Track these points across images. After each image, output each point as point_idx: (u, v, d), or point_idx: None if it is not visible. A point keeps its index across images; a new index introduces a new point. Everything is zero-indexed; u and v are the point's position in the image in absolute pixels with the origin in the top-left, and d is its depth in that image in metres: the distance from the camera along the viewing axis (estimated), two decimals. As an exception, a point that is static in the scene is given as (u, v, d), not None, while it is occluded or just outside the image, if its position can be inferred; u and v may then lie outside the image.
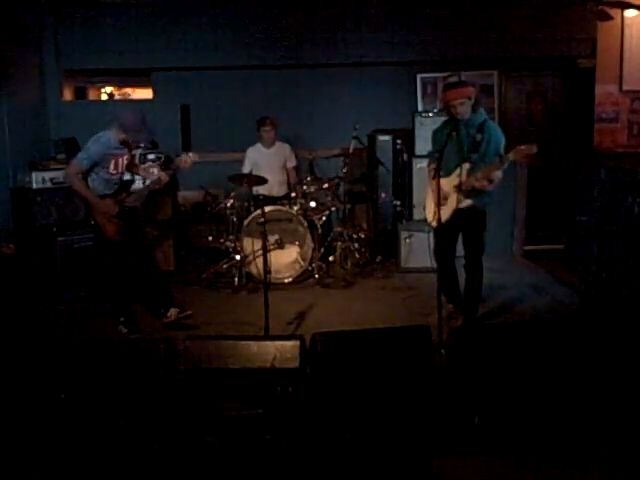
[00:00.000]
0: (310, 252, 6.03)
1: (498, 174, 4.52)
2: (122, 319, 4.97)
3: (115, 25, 6.94)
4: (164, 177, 5.08)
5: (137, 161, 5.81)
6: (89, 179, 4.81)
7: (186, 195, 7.06)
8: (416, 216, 6.58)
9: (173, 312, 4.98)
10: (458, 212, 4.59)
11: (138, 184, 5.65)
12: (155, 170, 5.54)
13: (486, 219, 4.74)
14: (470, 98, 4.58)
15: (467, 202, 4.56)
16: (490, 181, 4.52)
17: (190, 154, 5.14)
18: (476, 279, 4.80)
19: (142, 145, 6.16)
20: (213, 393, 3.37)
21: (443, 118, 4.97)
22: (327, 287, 5.97)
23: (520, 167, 6.80)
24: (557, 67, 7.63)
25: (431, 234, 4.96)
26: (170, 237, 6.55)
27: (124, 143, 4.85)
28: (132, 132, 4.78)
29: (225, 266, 6.08)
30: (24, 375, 3.39)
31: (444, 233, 4.68)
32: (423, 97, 7.46)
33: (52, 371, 3.40)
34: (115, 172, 4.87)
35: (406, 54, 7.20)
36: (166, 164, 6.02)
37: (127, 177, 5.27)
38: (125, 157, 4.93)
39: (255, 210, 5.91)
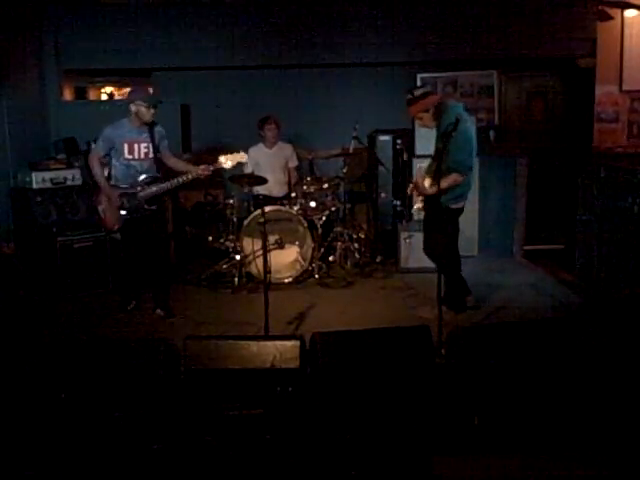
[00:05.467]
0: (310, 252, 6.03)
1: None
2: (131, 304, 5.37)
3: (115, 25, 6.93)
4: (202, 171, 5.05)
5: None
6: (112, 168, 5.11)
7: (186, 195, 7.06)
8: (416, 216, 6.57)
9: (158, 313, 5.26)
10: None
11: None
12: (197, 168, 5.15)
13: (449, 216, 4.88)
14: (427, 110, 4.83)
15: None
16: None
17: (232, 155, 5.11)
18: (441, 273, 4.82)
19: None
20: (213, 393, 3.37)
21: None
22: (327, 287, 5.97)
23: (520, 167, 6.80)
24: (557, 67, 7.63)
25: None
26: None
27: (147, 125, 5.01)
28: (145, 105, 4.98)
29: (225, 266, 6.08)
30: (24, 375, 3.39)
31: None
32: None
33: (52, 371, 3.40)
34: (131, 157, 5.03)
35: (406, 54, 7.20)
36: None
37: (155, 174, 5.12)
38: (143, 144, 5.04)
39: (255, 210, 5.91)
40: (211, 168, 5.13)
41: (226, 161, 5.13)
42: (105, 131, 5.06)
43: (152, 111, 5.03)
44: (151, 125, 5.08)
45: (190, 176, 5.08)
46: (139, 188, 5.04)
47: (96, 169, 5.08)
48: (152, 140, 5.07)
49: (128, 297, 5.39)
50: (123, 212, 5.06)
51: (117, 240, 5.86)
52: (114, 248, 5.89)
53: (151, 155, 5.09)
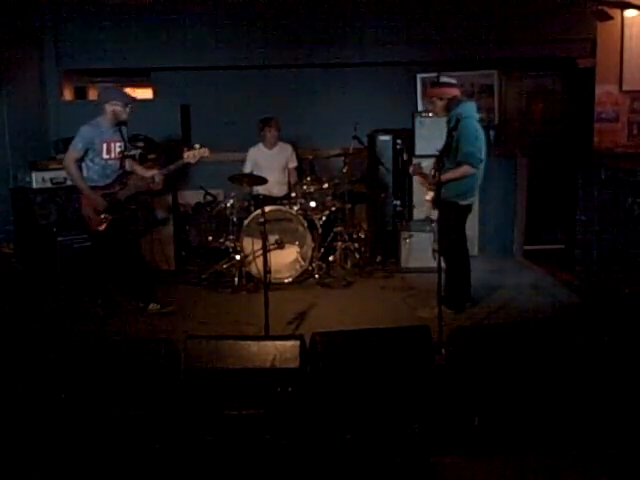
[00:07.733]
0: (310, 252, 6.02)
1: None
2: (99, 301, 5.23)
3: (115, 25, 6.92)
4: (157, 175, 5.18)
5: (132, 159, 5.60)
6: (84, 168, 5.00)
7: (186, 195, 7.06)
8: (416, 216, 6.58)
9: (154, 307, 5.25)
10: None
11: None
12: (154, 171, 5.32)
13: (457, 214, 4.96)
14: (441, 98, 4.99)
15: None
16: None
17: (198, 148, 5.19)
18: (447, 272, 4.91)
19: (140, 145, 6.22)
20: (213, 393, 3.37)
21: (442, 118, 5.11)
22: (327, 287, 5.97)
23: (520, 167, 6.81)
24: (557, 67, 7.63)
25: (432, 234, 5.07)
26: (170, 237, 6.56)
27: (119, 124, 5.02)
28: (121, 104, 4.97)
29: (225, 266, 6.08)
30: (24, 375, 3.39)
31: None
32: (423, 97, 7.44)
33: (52, 371, 3.40)
34: (109, 157, 5.01)
35: (406, 54, 7.19)
36: (167, 163, 6.01)
37: (126, 172, 5.22)
38: (117, 143, 5.05)
39: (255, 210, 5.91)
40: (165, 171, 5.23)
41: (190, 157, 5.19)
42: (83, 131, 4.93)
43: (128, 110, 5.02)
44: (119, 123, 5.08)
45: (152, 181, 5.22)
46: (118, 187, 5.06)
47: (75, 172, 4.93)
48: (123, 139, 5.09)
49: (100, 296, 5.27)
50: (107, 213, 5.00)
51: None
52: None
53: (121, 154, 5.10)
